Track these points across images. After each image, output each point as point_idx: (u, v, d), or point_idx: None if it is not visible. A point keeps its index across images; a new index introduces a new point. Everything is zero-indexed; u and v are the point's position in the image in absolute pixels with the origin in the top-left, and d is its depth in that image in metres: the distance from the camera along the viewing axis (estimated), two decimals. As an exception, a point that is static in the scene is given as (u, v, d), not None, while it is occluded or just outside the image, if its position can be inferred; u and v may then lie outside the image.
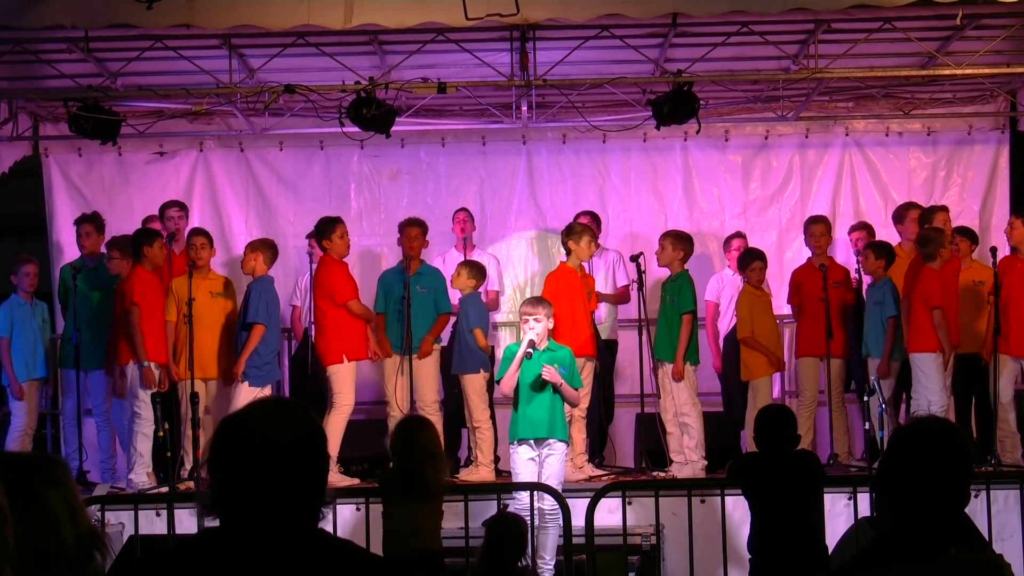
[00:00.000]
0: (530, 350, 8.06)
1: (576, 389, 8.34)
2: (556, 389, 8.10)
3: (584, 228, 9.91)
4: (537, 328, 8.13)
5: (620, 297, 10.94)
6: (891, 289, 10.00)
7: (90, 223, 10.48)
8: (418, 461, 6.43)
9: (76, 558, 2.37)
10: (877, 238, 10.85)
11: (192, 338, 9.63)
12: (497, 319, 11.32)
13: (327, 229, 9.89)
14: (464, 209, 11.31)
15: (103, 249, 10.41)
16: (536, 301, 8.45)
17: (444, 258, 11.05)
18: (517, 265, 12.03)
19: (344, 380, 9.70)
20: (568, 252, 9.81)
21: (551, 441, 8.14)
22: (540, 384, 8.09)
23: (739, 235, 11.25)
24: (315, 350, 10.00)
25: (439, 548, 6.61)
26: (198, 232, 10.20)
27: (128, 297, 9.55)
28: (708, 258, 12.01)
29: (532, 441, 8.13)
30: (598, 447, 10.50)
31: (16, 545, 2.27)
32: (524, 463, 8.13)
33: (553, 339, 8.42)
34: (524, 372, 8.11)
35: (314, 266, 10.23)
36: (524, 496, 7.76)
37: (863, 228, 11.11)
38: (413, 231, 10.20)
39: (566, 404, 8.32)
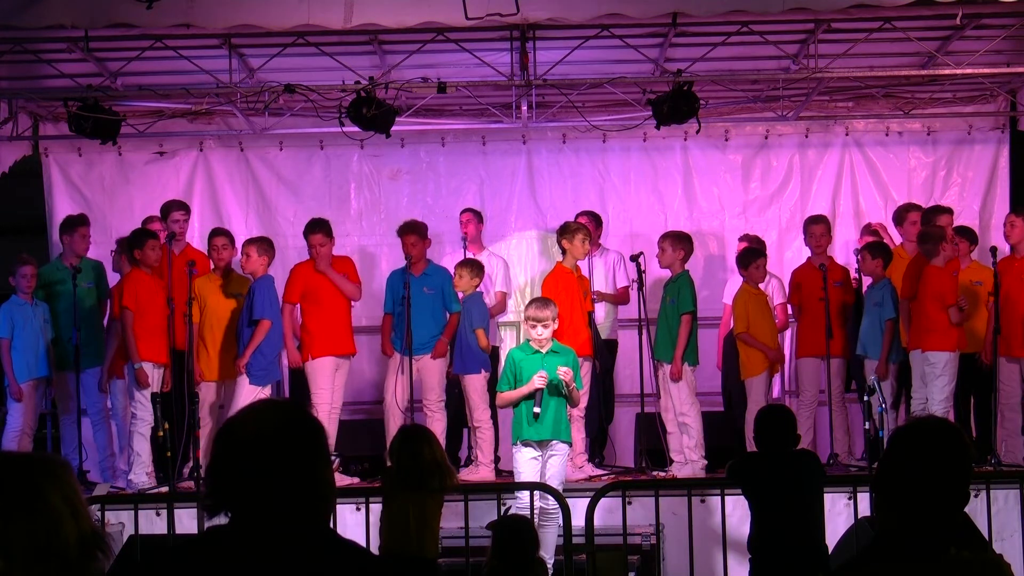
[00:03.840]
0: (536, 410, 7.99)
1: (578, 390, 8.35)
2: (565, 389, 8.09)
3: (578, 227, 9.90)
4: (545, 334, 8.10)
5: (620, 298, 10.94)
6: (891, 291, 10.01)
7: (87, 225, 10.52)
8: (423, 472, 6.43)
9: (78, 558, 2.37)
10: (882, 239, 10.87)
11: (192, 338, 9.68)
12: (501, 319, 11.31)
13: (305, 232, 10.14)
14: (469, 209, 11.32)
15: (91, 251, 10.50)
16: (543, 304, 8.30)
17: (453, 257, 11.03)
18: (517, 265, 12.01)
19: (314, 378, 9.86)
20: (563, 252, 9.81)
21: (554, 442, 8.15)
22: (555, 389, 8.07)
23: (747, 237, 11.21)
24: None
25: (435, 555, 6.60)
26: (220, 232, 10.29)
27: (120, 300, 9.60)
28: (709, 258, 12.02)
29: (536, 443, 8.14)
30: (598, 447, 10.51)
31: (17, 544, 2.27)
32: (527, 462, 8.13)
33: (558, 341, 8.41)
34: (527, 373, 8.10)
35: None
36: (524, 496, 7.77)
37: (871, 233, 11.05)
38: (409, 239, 10.21)
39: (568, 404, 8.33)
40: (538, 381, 7.99)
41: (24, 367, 10.03)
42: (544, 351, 8.15)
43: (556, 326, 8.32)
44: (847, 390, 10.47)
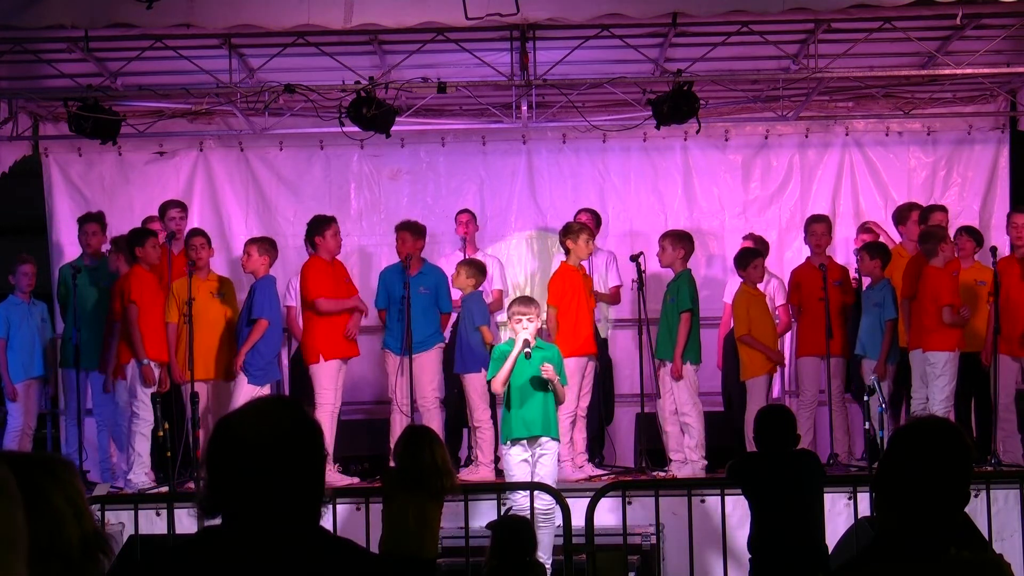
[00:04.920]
0: (528, 350, 8.06)
1: (563, 385, 8.37)
2: (551, 387, 8.13)
3: (582, 227, 9.94)
4: (530, 328, 8.15)
5: (612, 297, 10.93)
6: (891, 292, 10.01)
7: (96, 222, 10.53)
8: (424, 475, 6.44)
9: (80, 559, 2.37)
10: (880, 238, 10.88)
11: (192, 338, 9.67)
12: (499, 318, 11.32)
13: (320, 226, 10.03)
14: (467, 210, 11.32)
15: (104, 248, 10.46)
16: (528, 301, 8.47)
17: (447, 259, 11.06)
18: (517, 265, 12.03)
19: (323, 379, 9.78)
20: (567, 252, 9.82)
21: (544, 440, 8.16)
22: (539, 383, 8.11)
23: (750, 236, 11.20)
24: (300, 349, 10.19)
25: (434, 555, 6.62)
26: (197, 232, 10.27)
27: (126, 296, 9.60)
28: (709, 258, 12.02)
29: (525, 441, 8.16)
30: (598, 447, 10.51)
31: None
32: (517, 464, 8.15)
33: (542, 338, 8.47)
34: (516, 372, 8.13)
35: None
36: (520, 496, 7.77)
37: (869, 231, 11.08)
38: (403, 234, 10.24)
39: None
40: (522, 334, 8.08)
41: (20, 367, 10.03)
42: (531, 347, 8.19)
43: (540, 323, 8.40)
44: (847, 390, 10.47)
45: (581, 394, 9.79)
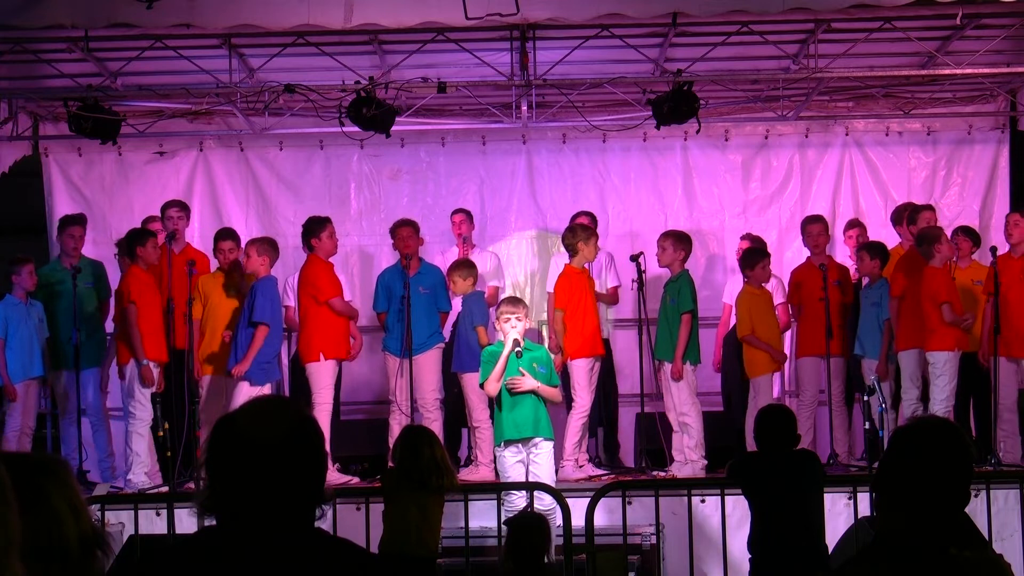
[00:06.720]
0: (518, 348, 8.07)
1: (555, 387, 8.37)
2: (540, 393, 8.13)
3: (591, 230, 9.97)
4: (519, 328, 8.15)
5: (611, 298, 10.92)
6: (889, 292, 10.01)
7: (80, 225, 10.49)
8: (424, 472, 6.46)
9: (79, 558, 2.37)
10: (873, 236, 10.87)
11: (192, 336, 9.69)
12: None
13: (316, 228, 9.98)
14: (460, 210, 11.32)
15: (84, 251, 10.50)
16: (516, 301, 8.49)
17: (444, 256, 11.07)
18: (517, 265, 12.03)
19: (321, 378, 9.78)
20: (574, 253, 9.81)
21: (537, 440, 8.15)
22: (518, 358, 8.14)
23: (748, 236, 11.21)
24: (297, 348, 10.17)
25: (434, 554, 6.62)
26: (227, 236, 10.28)
27: (125, 297, 9.60)
28: (709, 258, 12.02)
29: (519, 443, 8.14)
30: (598, 447, 10.51)
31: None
32: (512, 466, 8.15)
33: (547, 340, 8.48)
34: (507, 373, 8.12)
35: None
36: (518, 497, 7.76)
37: (857, 226, 11.12)
38: (405, 231, 10.26)
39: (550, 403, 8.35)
40: (512, 334, 8.08)
41: (19, 367, 10.01)
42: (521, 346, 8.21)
43: (528, 323, 8.42)
44: (856, 389, 10.45)
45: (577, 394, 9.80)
